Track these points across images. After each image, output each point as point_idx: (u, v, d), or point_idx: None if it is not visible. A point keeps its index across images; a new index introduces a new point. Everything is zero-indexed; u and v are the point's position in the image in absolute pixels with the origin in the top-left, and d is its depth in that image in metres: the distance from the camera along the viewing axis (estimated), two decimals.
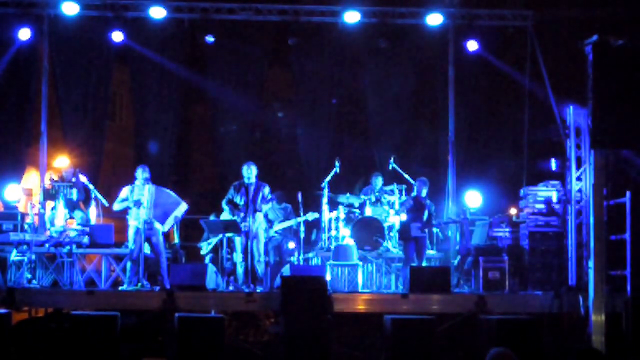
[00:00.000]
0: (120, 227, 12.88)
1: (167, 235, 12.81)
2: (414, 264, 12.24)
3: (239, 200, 12.15)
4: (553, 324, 11.09)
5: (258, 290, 11.64)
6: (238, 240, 12.21)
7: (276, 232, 13.24)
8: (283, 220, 13.33)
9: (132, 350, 11.05)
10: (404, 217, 12.59)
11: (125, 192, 12.02)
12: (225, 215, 12.60)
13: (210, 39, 14.64)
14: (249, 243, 11.96)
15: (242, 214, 12.05)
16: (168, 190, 12.31)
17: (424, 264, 12.54)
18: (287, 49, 15.09)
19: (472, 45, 14.67)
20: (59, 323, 11.08)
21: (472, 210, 14.19)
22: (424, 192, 12.71)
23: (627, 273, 10.55)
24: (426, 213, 12.64)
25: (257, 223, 12.15)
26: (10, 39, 14.26)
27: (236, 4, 14.59)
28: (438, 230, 13.49)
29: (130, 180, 12.29)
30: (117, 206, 12.09)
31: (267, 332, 12.35)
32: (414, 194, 12.90)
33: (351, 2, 14.57)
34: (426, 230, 12.72)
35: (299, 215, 12.95)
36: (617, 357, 10.21)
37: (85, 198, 13.27)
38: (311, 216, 13.00)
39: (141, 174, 12.03)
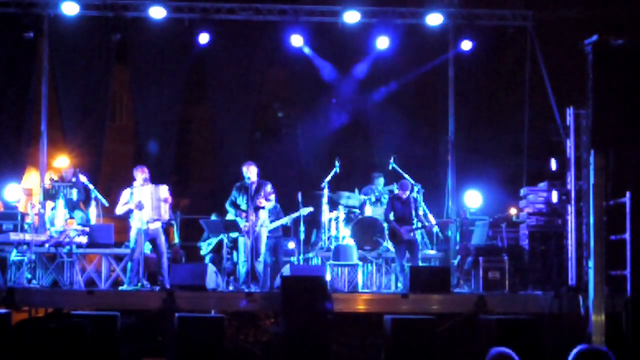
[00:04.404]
0: (120, 227, 12.88)
1: (167, 235, 12.81)
2: (410, 264, 12.24)
3: (242, 200, 12.14)
4: (553, 324, 11.07)
5: (256, 290, 11.64)
6: (242, 241, 12.19)
7: (269, 232, 13.17)
8: (274, 220, 13.24)
9: (132, 350, 11.06)
10: (392, 217, 12.58)
11: (126, 195, 11.94)
12: (230, 218, 12.55)
13: (205, 39, 14.58)
14: (251, 242, 11.93)
15: (244, 214, 12.04)
16: (162, 202, 12.03)
17: (419, 263, 12.53)
18: (287, 49, 15.07)
19: (466, 45, 14.67)
20: (59, 323, 11.08)
21: (472, 210, 14.20)
22: (404, 195, 12.60)
23: (627, 273, 10.53)
24: (412, 210, 12.55)
25: (261, 221, 12.12)
26: (11, 38, 14.28)
27: (236, 4, 14.60)
28: (437, 229, 13.47)
29: (130, 180, 12.27)
30: (119, 210, 11.99)
31: (267, 332, 12.35)
32: (392, 194, 12.90)
33: (351, 2, 14.58)
34: (419, 229, 12.63)
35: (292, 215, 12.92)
36: (617, 357, 10.20)
37: (85, 198, 13.28)
38: (305, 211, 12.88)
39: (140, 174, 11.99)
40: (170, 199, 12.08)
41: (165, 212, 11.98)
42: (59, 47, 14.69)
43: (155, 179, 12.26)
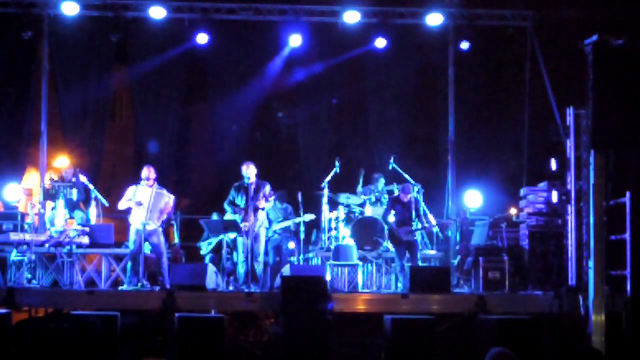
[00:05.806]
0: (120, 227, 12.88)
1: (167, 235, 12.80)
2: (410, 264, 12.24)
3: (240, 200, 12.15)
4: (553, 324, 11.09)
5: (256, 290, 11.64)
6: (240, 241, 12.20)
7: (275, 232, 13.23)
8: (282, 220, 13.32)
9: (132, 350, 11.06)
10: (392, 218, 12.59)
11: (130, 191, 11.95)
12: (229, 217, 12.57)
13: (204, 39, 14.55)
14: (250, 243, 11.94)
15: (243, 214, 12.05)
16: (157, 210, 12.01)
17: (419, 263, 12.53)
18: (286, 49, 15.07)
19: (466, 45, 14.65)
20: (59, 323, 11.08)
21: (472, 210, 14.19)
22: (406, 198, 12.60)
23: (627, 273, 10.53)
24: (413, 212, 12.57)
25: (259, 222, 12.13)
26: (11, 38, 14.27)
27: (236, 4, 14.59)
28: (437, 229, 13.47)
29: (130, 180, 12.27)
30: (121, 205, 12.01)
31: (267, 332, 12.35)
32: (393, 195, 12.92)
33: (351, 2, 14.58)
34: (419, 231, 12.64)
35: (299, 216, 12.95)
36: (617, 357, 10.21)
37: (85, 198, 13.28)
38: (308, 217, 12.97)
39: (146, 174, 12.00)
40: (168, 210, 12.07)
41: (158, 219, 11.96)
42: (59, 47, 14.67)
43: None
